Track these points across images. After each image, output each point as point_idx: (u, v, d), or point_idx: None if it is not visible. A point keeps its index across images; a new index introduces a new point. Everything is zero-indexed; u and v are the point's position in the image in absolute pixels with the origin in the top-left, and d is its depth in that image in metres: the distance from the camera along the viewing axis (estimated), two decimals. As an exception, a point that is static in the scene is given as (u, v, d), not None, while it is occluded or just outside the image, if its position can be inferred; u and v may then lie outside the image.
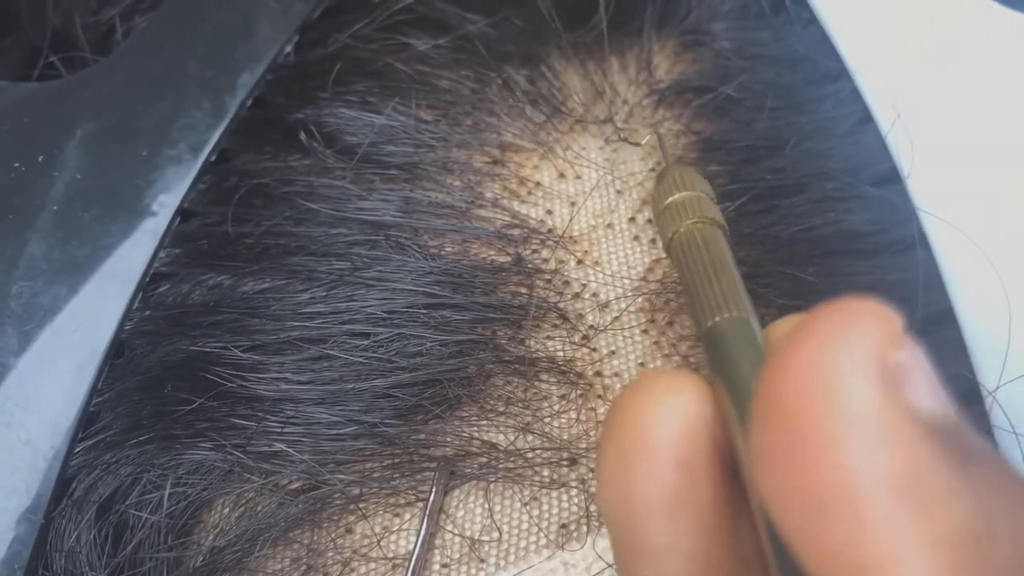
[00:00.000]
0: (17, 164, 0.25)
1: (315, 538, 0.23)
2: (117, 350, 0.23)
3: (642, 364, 0.24)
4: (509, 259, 0.25)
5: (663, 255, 0.25)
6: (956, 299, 0.25)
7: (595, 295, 0.25)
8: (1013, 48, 0.27)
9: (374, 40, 0.27)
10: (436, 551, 0.22)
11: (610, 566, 0.22)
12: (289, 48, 0.28)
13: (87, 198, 0.25)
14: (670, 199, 0.21)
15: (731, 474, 0.15)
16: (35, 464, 0.22)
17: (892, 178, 0.26)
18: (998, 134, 0.27)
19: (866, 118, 0.27)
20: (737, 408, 0.15)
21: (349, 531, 0.23)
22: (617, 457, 0.15)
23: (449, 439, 0.23)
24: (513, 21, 0.27)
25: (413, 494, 0.23)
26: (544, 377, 0.24)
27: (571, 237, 0.25)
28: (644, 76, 0.28)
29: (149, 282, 0.24)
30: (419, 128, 0.26)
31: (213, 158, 0.25)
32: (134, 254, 0.24)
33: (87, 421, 0.23)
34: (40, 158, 0.25)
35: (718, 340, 0.16)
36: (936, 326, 0.25)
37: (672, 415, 0.15)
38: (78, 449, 0.22)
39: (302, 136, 0.25)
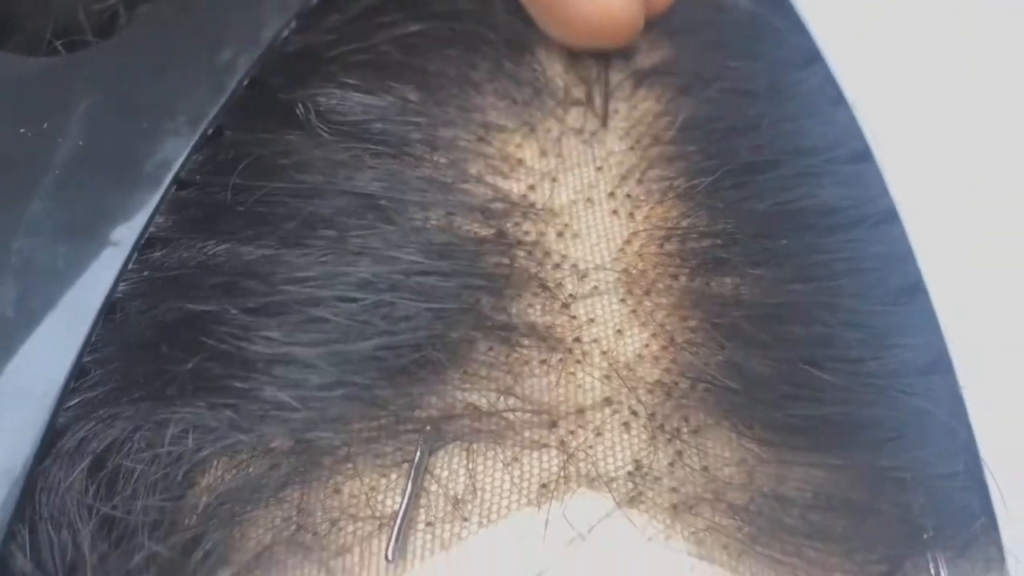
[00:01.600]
0: (23, 130, 0.26)
1: (305, 498, 0.24)
2: (111, 308, 0.24)
3: (619, 331, 0.25)
4: (492, 231, 0.25)
5: (641, 228, 0.26)
6: (926, 271, 0.26)
7: (574, 266, 0.25)
8: (982, 27, 0.28)
9: (366, 24, 0.28)
10: (421, 510, 0.23)
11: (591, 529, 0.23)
12: (287, 31, 0.29)
13: (88, 164, 0.26)
14: None
15: None
16: (27, 410, 0.23)
17: (865, 156, 0.27)
18: (968, 113, 0.28)
19: (840, 99, 0.28)
20: None
21: (337, 491, 0.24)
22: None
23: (434, 400, 0.24)
24: (499, 5, 0.28)
25: (400, 455, 0.24)
26: (525, 343, 0.24)
27: (551, 211, 0.26)
28: (624, 60, 0.29)
29: (145, 245, 0.25)
30: (406, 108, 0.27)
31: (210, 132, 0.26)
32: (131, 218, 0.25)
33: (78, 375, 0.24)
34: (45, 125, 0.26)
35: None
36: (908, 296, 0.26)
37: None
38: (72, 402, 0.23)
39: (298, 111, 0.26)
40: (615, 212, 0.26)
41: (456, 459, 0.24)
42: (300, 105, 0.26)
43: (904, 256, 0.26)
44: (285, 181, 0.26)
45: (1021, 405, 0.24)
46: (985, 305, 0.26)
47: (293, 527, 0.23)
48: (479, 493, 0.23)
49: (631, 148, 0.27)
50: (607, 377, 0.24)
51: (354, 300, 0.24)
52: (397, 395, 0.23)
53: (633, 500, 0.23)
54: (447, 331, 0.24)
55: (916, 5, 0.29)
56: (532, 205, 0.26)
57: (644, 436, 0.23)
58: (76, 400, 0.24)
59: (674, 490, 0.23)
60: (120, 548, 0.23)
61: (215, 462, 0.24)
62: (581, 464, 0.23)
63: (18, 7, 0.31)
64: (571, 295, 0.25)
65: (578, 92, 0.28)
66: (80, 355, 0.24)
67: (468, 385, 0.24)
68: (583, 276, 0.25)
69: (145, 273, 0.25)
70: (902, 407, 0.23)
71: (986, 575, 0.23)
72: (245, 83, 0.28)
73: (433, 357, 0.24)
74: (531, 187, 0.26)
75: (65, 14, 0.29)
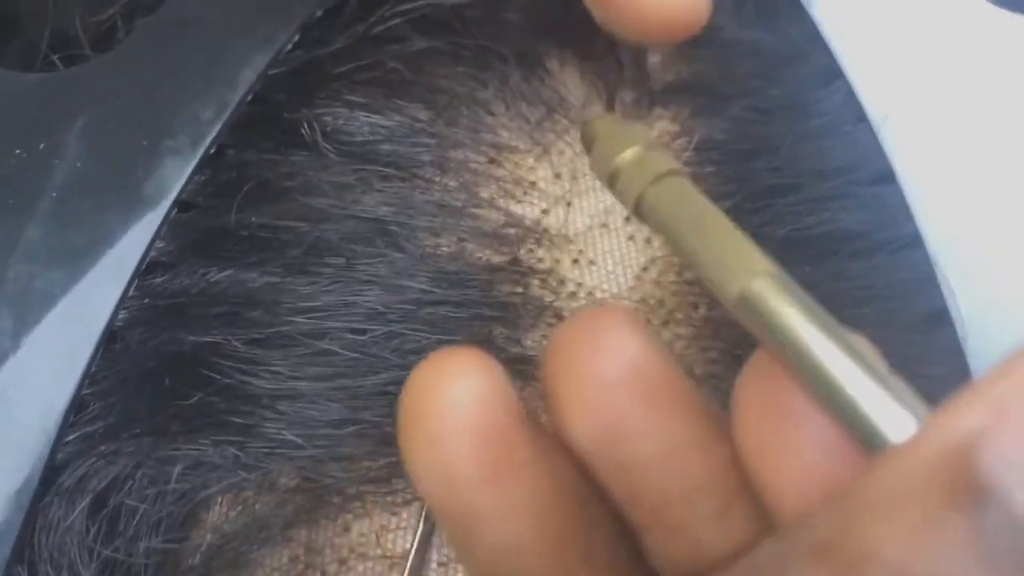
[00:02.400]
0: (18, 151, 0.25)
1: (313, 536, 0.23)
2: (111, 337, 0.24)
3: (637, 363, 0.24)
4: (505, 258, 0.25)
5: (659, 254, 0.25)
6: (951, 299, 0.25)
7: (590, 294, 0.25)
8: (1005, 48, 0.27)
9: (373, 40, 0.27)
10: (433, 549, 0.23)
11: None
12: (290, 46, 0.28)
13: (86, 186, 0.25)
14: (617, 160, 0.19)
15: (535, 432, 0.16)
16: (26, 444, 0.22)
17: (888, 177, 0.26)
18: (991, 134, 0.27)
19: (862, 117, 0.27)
20: (814, 377, 0.14)
21: (347, 529, 0.23)
22: (425, 426, 0.16)
23: (446, 436, 0.23)
24: (511, 21, 0.27)
25: (410, 493, 0.23)
26: (539, 376, 0.24)
27: (566, 236, 0.25)
28: (641, 76, 0.28)
29: (146, 271, 0.24)
30: (415, 128, 0.26)
31: (212, 151, 0.26)
32: (131, 242, 0.24)
33: (77, 408, 0.23)
34: (41, 146, 0.25)
35: (764, 308, 0.15)
36: (932, 326, 0.25)
37: (469, 380, 0.16)
38: (71, 437, 0.23)
39: (304, 131, 0.25)
40: (631, 238, 0.25)
41: (469, 496, 0.23)
42: (306, 124, 0.26)
43: (928, 282, 0.25)
44: (290, 205, 0.25)
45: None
46: (1014, 331, 0.25)
47: (301, 567, 0.22)
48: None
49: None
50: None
51: (363, 332, 0.23)
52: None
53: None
54: (459, 364, 0.23)
55: (941, 20, 0.28)
56: (546, 231, 0.25)
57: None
58: (76, 435, 0.23)
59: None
60: (122, 591, 0.22)
61: (219, 500, 0.23)
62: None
63: (14, 20, 0.30)
64: (586, 325, 0.24)
65: (593, 109, 0.27)
66: (79, 387, 0.23)
67: (481, 420, 0.23)
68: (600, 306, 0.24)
69: (146, 300, 0.24)
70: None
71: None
72: (248, 99, 0.27)
73: (445, 391, 0.23)
74: (545, 211, 0.26)
75: (62, 27, 0.28)
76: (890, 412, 0.13)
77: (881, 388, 0.14)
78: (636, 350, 0.16)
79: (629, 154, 0.19)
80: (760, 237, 0.25)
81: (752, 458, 0.15)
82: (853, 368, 0.14)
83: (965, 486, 0.10)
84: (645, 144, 0.19)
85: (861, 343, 0.15)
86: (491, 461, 0.16)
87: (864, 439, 0.13)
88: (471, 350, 0.16)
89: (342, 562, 0.22)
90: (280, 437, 0.22)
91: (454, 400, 0.16)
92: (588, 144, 0.21)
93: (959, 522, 0.10)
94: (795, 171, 0.26)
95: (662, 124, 0.27)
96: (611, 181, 0.19)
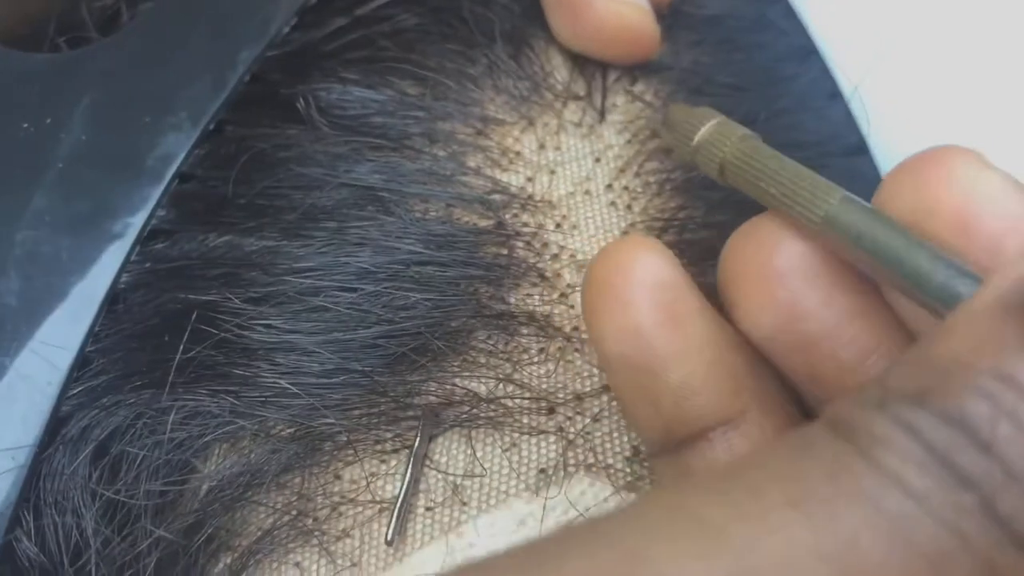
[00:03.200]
0: (26, 125, 0.26)
1: (305, 483, 0.24)
2: (114, 298, 0.25)
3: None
4: (491, 222, 0.26)
5: (639, 219, 0.26)
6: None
7: (573, 256, 0.26)
8: (974, 19, 0.28)
9: (367, 19, 0.29)
10: (421, 495, 0.24)
11: (582, 515, 0.23)
12: (288, 27, 0.29)
13: (91, 158, 0.26)
14: (698, 136, 0.22)
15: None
16: (31, 398, 0.23)
17: (860, 149, 0.27)
18: (962, 106, 0.28)
19: (835, 93, 0.28)
20: (906, 272, 0.17)
21: (338, 476, 0.24)
22: (615, 292, 0.20)
23: (433, 387, 0.24)
24: (500, 2, 0.29)
25: (399, 441, 0.24)
26: (524, 332, 0.25)
27: (550, 202, 0.26)
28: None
29: (148, 238, 0.25)
30: (405, 101, 0.27)
31: (212, 127, 0.27)
32: (133, 211, 0.25)
33: (82, 365, 0.24)
34: (48, 120, 0.26)
35: (842, 220, 0.18)
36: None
37: (652, 255, 0.20)
38: (76, 391, 0.24)
39: (299, 106, 0.26)
40: (613, 204, 0.26)
41: (455, 445, 0.24)
42: (301, 99, 0.27)
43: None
44: (286, 174, 0.26)
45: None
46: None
47: (294, 512, 0.23)
48: (478, 478, 0.23)
49: (628, 142, 0.27)
50: (604, 364, 0.24)
51: (354, 290, 0.24)
52: (397, 382, 0.24)
53: (631, 485, 0.23)
54: (446, 320, 0.24)
55: None
56: (531, 197, 0.26)
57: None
58: (80, 388, 0.24)
59: (671, 475, 0.23)
60: (123, 533, 0.23)
61: (217, 448, 0.24)
62: (579, 450, 0.24)
63: (23, 5, 0.31)
64: (569, 285, 0.25)
65: (576, 87, 0.28)
66: (84, 345, 0.25)
67: (467, 372, 0.24)
68: (581, 266, 0.25)
69: (148, 265, 0.26)
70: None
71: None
72: (247, 79, 0.28)
73: (432, 345, 0.24)
74: (529, 179, 0.27)
75: (68, 11, 0.30)
76: (961, 276, 0.17)
77: (946, 261, 0.17)
78: (798, 243, 0.20)
79: (704, 131, 0.22)
80: (737, 203, 0.26)
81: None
82: (923, 250, 0.17)
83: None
84: (715, 120, 0.22)
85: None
86: (669, 309, 0.19)
87: (941, 305, 0.17)
88: (645, 237, 0.21)
89: (333, 507, 0.23)
90: (275, 386, 0.23)
91: (634, 263, 0.20)
92: (667, 131, 0.24)
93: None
94: (770, 143, 0.27)
95: (643, 100, 0.28)
96: (694, 156, 0.23)
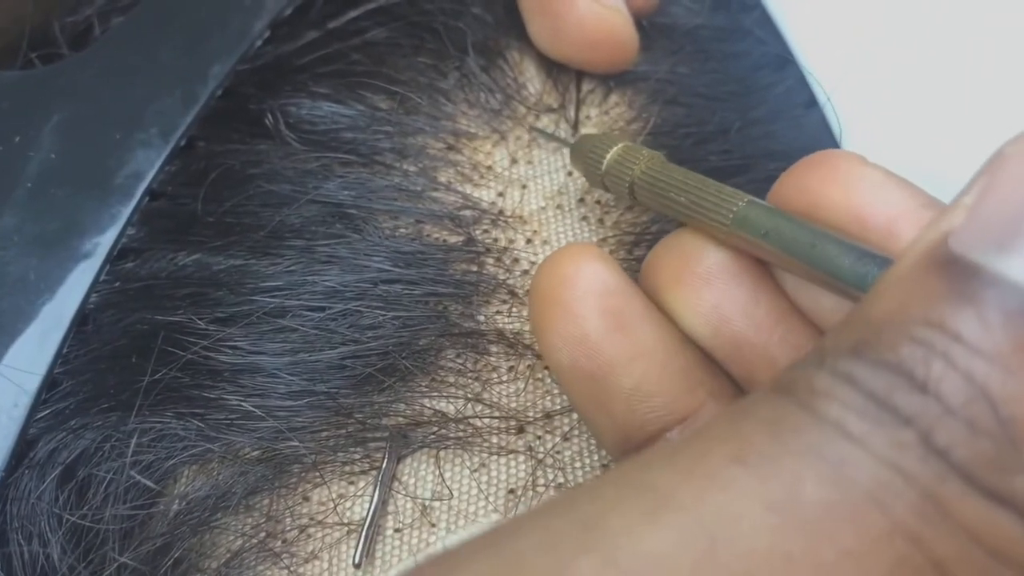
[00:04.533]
0: (-6, 143, 0.26)
1: (273, 505, 0.24)
2: (83, 319, 0.25)
3: (588, 337, 0.25)
4: (461, 239, 0.26)
5: (611, 234, 0.26)
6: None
7: (544, 272, 0.25)
8: (950, 25, 0.28)
9: (339, 33, 0.28)
10: (389, 516, 0.23)
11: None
12: (259, 42, 0.29)
13: (60, 176, 0.26)
14: (606, 161, 0.23)
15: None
16: (-1, 422, 0.23)
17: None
18: (942, 113, 0.28)
19: (812, 103, 0.28)
20: (816, 261, 0.18)
21: (306, 498, 0.24)
22: (561, 302, 0.20)
23: (401, 408, 0.24)
24: (472, 13, 0.28)
25: (367, 462, 0.24)
26: (493, 350, 0.25)
27: (520, 218, 0.26)
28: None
29: (117, 257, 0.25)
30: (376, 116, 0.27)
31: (183, 143, 0.27)
32: (103, 230, 0.25)
33: (50, 386, 0.24)
34: (17, 139, 0.26)
35: (750, 220, 0.19)
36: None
37: (595, 263, 0.20)
38: (43, 414, 0.23)
39: (268, 121, 0.26)
40: (584, 218, 0.26)
41: (424, 466, 0.24)
42: (269, 115, 0.27)
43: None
44: (255, 191, 0.26)
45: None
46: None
47: (262, 534, 0.23)
48: (447, 499, 0.23)
49: (600, 155, 0.27)
50: (575, 383, 0.24)
51: (321, 309, 0.24)
52: (363, 403, 0.24)
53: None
54: (414, 339, 0.24)
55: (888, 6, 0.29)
56: (501, 212, 0.26)
57: (611, 441, 0.24)
58: (47, 411, 0.24)
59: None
60: (90, 557, 0.23)
61: (185, 471, 0.24)
62: (549, 469, 0.23)
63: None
64: (539, 302, 0.25)
65: (550, 99, 0.28)
66: (52, 367, 0.24)
67: (436, 392, 0.24)
68: (551, 282, 0.25)
69: (117, 284, 0.25)
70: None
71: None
72: (218, 93, 0.28)
73: (400, 365, 0.24)
74: (500, 194, 0.27)
75: (40, 27, 0.29)
76: (869, 257, 0.17)
77: (852, 246, 0.17)
78: (719, 250, 0.20)
79: (611, 155, 0.23)
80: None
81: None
82: (829, 238, 0.18)
83: (943, 261, 0.14)
84: (621, 144, 0.23)
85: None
86: (615, 315, 0.20)
87: (854, 287, 0.17)
88: (587, 245, 0.21)
89: (302, 529, 0.23)
90: (241, 409, 0.23)
91: (577, 272, 0.20)
92: (577, 160, 0.25)
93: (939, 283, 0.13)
94: (744, 153, 0.27)
95: (618, 111, 0.28)
96: (604, 181, 0.23)
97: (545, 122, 0.28)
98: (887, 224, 0.18)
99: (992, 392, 0.13)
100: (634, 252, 0.26)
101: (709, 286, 0.20)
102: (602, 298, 0.20)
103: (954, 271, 0.13)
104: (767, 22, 0.29)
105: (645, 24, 0.29)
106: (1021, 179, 0.14)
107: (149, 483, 0.23)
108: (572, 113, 0.28)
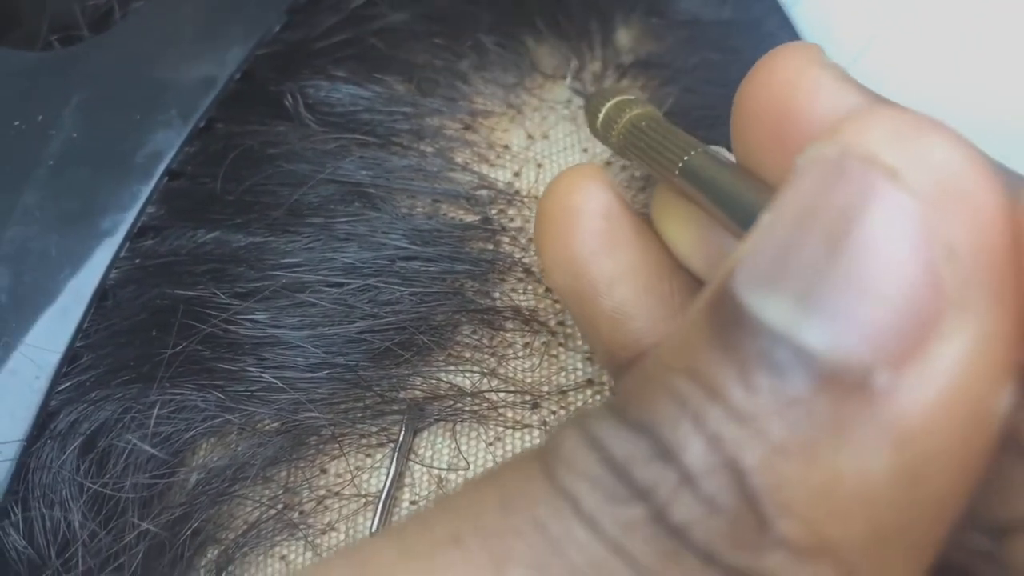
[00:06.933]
0: (17, 123, 0.27)
1: (291, 477, 0.24)
2: (103, 295, 0.25)
3: (602, 315, 0.25)
4: (477, 218, 0.26)
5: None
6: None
7: (559, 250, 0.26)
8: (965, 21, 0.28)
9: (356, 18, 0.29)
10: (406, 489, 0.24)
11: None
12: (278, 26, 0.29)
13: (81, 156, 0.26)
14: (602, 113, 0.23)
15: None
16: (21, 393, 0.24)
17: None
18: (957, 113, 0.28)
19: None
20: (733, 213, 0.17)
21: (323, 470, 0.24)
22: (556, 223, 0.20)
23: (418, 381, 0.24)
24: (488, -2, 0.29)
25: (384, 435, 0.24)
26: (509, 326, 0.25)
27: (536, 197, 0.26)
28: (610, 53, 0.29)
29: (137, 234, 0.26)
30: (393, 98, 0.27)
31: (202, 125, 0.27)
32: (123, 208, 0.26)
33: (71, 360, 0.24)
34: (39, 118, 0.27)
35: (697, 171, 0.19)
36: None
37: (592, 184, 0.20)
38: (64, 386, 0.24)
39: (287, 103, 0.27)
40: (598, 198, 0.26)
41: (440, 439, 0.24)
42: (289, 96, 0.27)
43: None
44: (274, 170, 0.26)
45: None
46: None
47: (280, 505, 0.24)
48: (462, 472, 0.24)
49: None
50: (589, 359, 0.24)
51: (339, 285, 0.24)
52: (381, 376, 0.24)
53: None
54: (431, 314, 0.24)
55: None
56: (517, 192, 0.26)
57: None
58: (69, 383, 0.24)
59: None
60: (110, 525, 0.23)
61: (203, 442, 0.24)
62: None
63: (16, 3, 0.31)
64: (554, 279, 0.25)
65: (565, 72, 0.29)
66: (73, 340, 0.25)
67: (452, 367, 0.24)
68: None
69: (137, 261, 0.26)
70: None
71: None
72: (237, 77, 0.28)
73: (417, 340, 0.24)
74: (516, 174, 0.27)
75: (62, 10, 0.30)
76: None
77: None
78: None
79: (607, 107, 0.23)
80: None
81: None
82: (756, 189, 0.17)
83: (720, 300, 0.12)
84: (619, 97, 0.23)
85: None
86: (604, 237, 0.20)
87: None
88: (590, 165, 0.21)
89: (319, 501, 0.24)
90: (261, 381, 0.23)
91: (574, 193, 0.20)
92: (586, 114, 0.24)
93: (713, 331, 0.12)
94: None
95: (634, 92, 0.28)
96: (603, 133, 0.23)
97: (559, 90, 0.28)
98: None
99: (741, 460, 0.11)
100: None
101: (699, 215, 0.20)
102: (593, 219, 0.20)
103: (725, 312, 0.12)
104: (780, 15, 0.30)
105: (663, 12, 0.29)
106: (806, 199, 0.12)
107: (164, 456, 0.23)
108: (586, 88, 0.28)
